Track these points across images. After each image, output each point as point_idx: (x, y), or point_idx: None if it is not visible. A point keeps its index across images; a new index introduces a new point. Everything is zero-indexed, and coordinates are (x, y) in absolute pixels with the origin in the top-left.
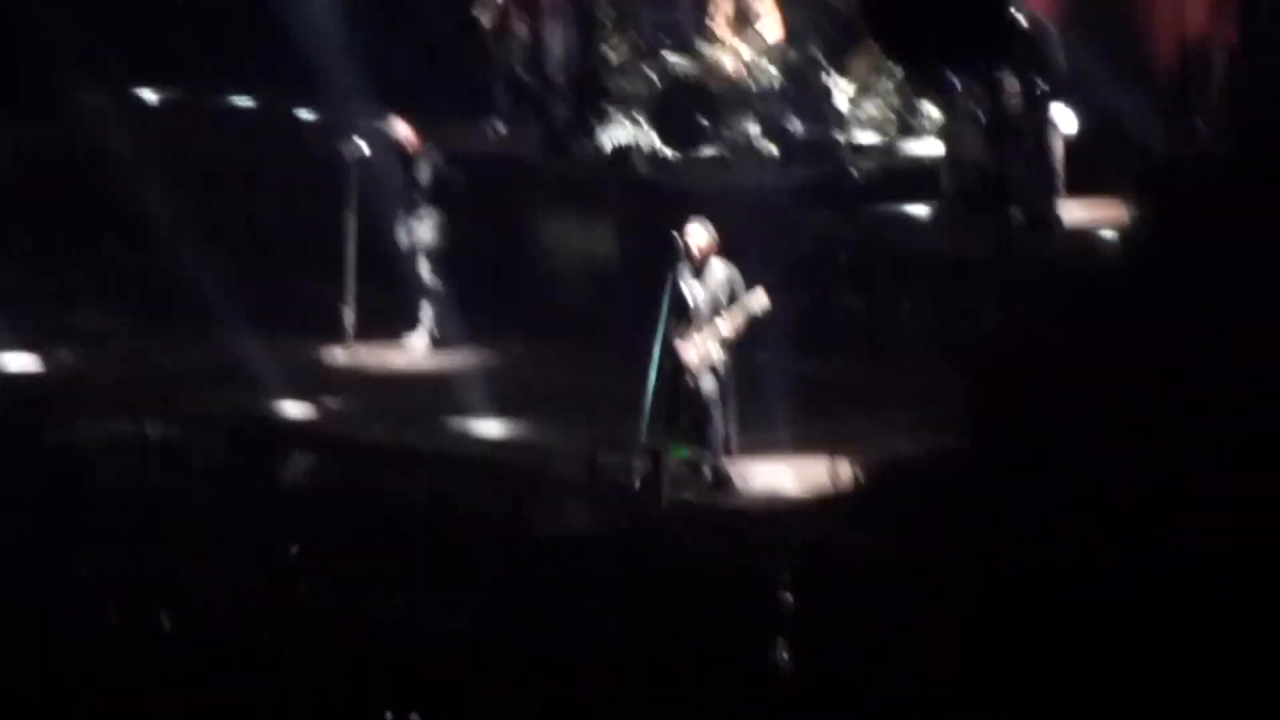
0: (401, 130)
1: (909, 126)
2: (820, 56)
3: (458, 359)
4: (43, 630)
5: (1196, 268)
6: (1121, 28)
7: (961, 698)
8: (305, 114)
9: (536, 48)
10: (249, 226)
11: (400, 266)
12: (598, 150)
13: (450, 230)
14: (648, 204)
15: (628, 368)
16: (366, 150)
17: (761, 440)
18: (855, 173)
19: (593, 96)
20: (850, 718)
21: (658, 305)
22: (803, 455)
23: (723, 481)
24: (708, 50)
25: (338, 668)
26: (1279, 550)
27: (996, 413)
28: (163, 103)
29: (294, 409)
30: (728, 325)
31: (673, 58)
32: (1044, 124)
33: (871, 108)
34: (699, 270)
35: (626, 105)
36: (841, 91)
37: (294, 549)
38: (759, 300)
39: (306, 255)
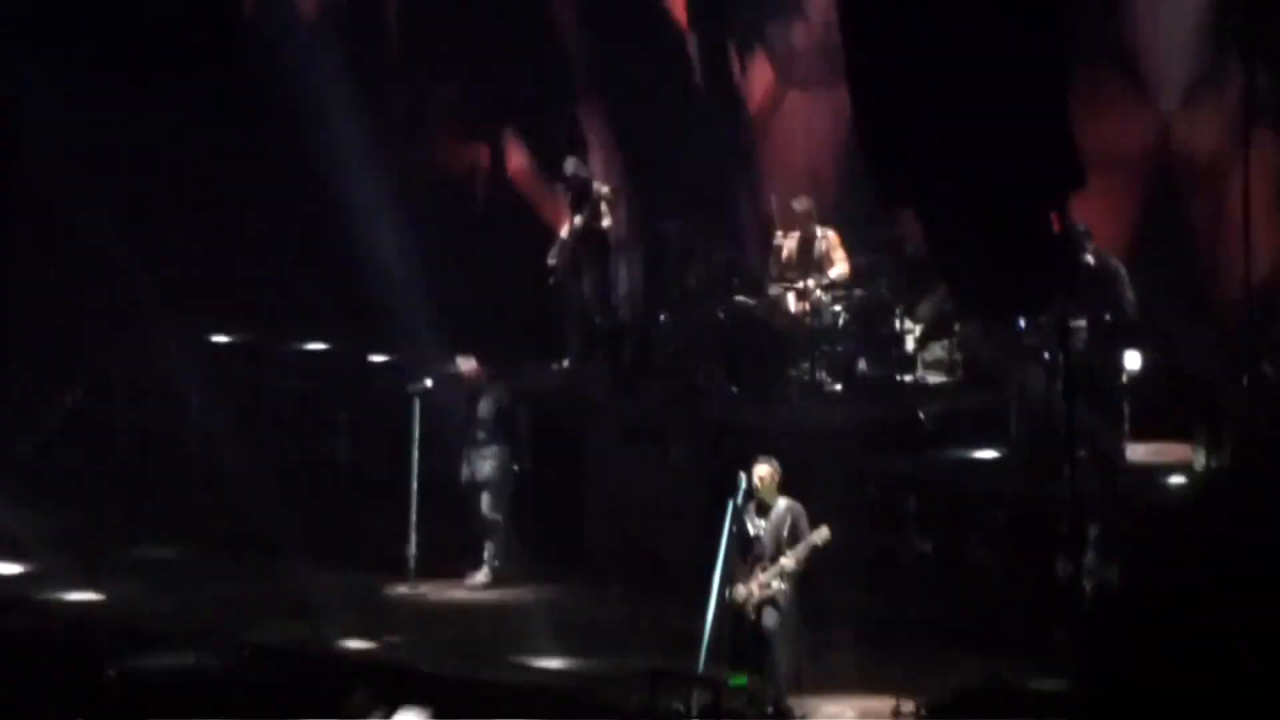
0: (465, 364)
1: (976, 368)
2: (888, 297)
3: (520, 593)
4: None
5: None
6: (1188, 268)
7: None
8: (376, 355)
9: (605, 287)
10: (316, 462)
11: (463, 501)
12: (664, 389)
13: (512, 465)
14: (713, 442)
15: (690, 601)
16: (430, 386)
17: (826, 677)
18: (922, 414)
19: (660, 336)
20: None
21: (719, 539)
22: (868, 694)
23: (783, 715)
24: (775, 289)
25: None
26: None
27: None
28: (234, 344)
29: (356, 642)
30: (790, 560)
31: (740, 296)
32: (1111, 365)
33: (939, 349)
34: (763, 506)
35: (693, 344)
36: (909, 332)
37: None
38: (821, 535)
39: (372, 490)
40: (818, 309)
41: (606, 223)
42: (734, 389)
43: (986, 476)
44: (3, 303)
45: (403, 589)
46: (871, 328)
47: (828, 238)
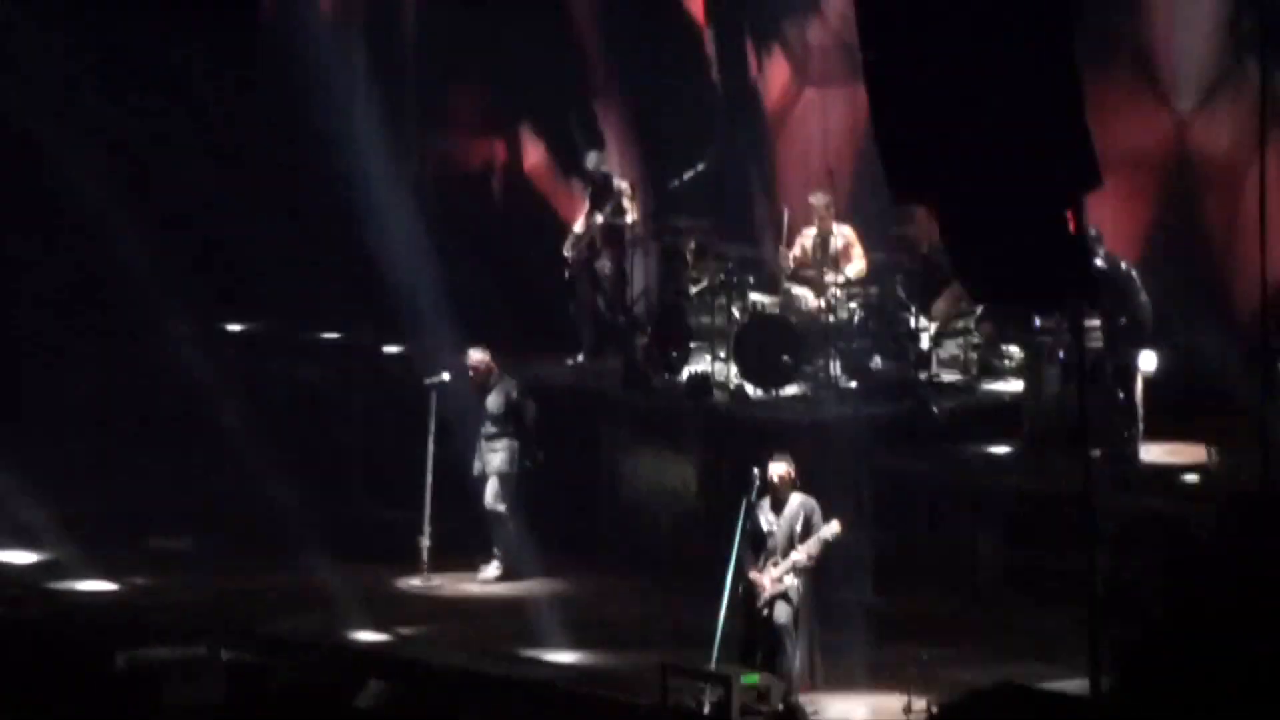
0: (475, 356)
1: (990, 365)
2: (903, 294)
3: (532, 587)
4: None
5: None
6: (1204, 267)
7: None
8: (390, 346)
9: (619, 282)
10: (330, 454)
11: (476, 494)
12: (677, 384)
13: (522, 459)
14: (727, 437)
15: (702, 597)
16: (446, 378)
17: (838, 674)
18: (936, 410)
19: (674, 331)
20: None
21: (732, 535)
22: (879, 692)
23: (793, 711)
24: (790, 286)
25: None
26: None
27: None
28: (249, 333)
29: (369, 634)
30: (803, 556)
31: (755, 293)
32: (1125, 363)
33: (953, 346)
34: (776, 502)
35: (708, 340)
36: (924, 330)
37: None
38: (832, 529)
39: (386, 482)
40: (833, 306)
41: (630, 218)
42: (748, 386)
43: (1000, 472)
44: (17, 290)
45: (416, 581)
46: (887, 325)
47: (845, 234)
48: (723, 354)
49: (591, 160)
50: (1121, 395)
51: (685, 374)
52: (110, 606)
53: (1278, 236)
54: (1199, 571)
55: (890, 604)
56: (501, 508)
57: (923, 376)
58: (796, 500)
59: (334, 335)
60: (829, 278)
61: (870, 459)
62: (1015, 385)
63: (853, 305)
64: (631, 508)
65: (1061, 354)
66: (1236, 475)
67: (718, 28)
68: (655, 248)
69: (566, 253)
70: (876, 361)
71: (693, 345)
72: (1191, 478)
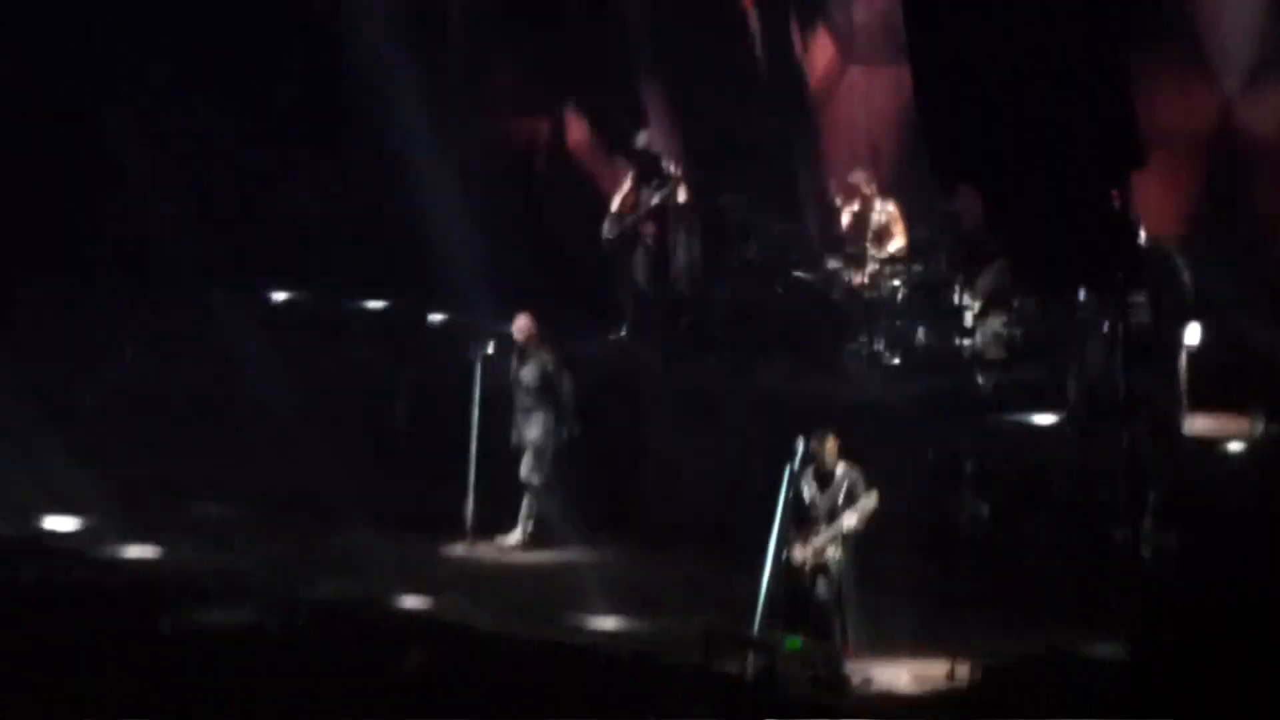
0: (520, 321)
1: (1034, 339)
2: (947, 271)
3: (575, 555)
4: None
5: None
6: (1249, 244)
7: None
8: (435, 316)
9: (662, 259)
10: (376, 422)
11: (515, 463)
12: (720, 360)
13: (559, 431)
14: (769, 412)
15: (745, 565)
16: (491, 349)
17: (882, 642)
18: (980, 384)
19: (718, 306)
20: None
21: (775, 505)
22: (922, 658)
23: (836, 677)
24: (833, 262)
25: None
26: None
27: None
28: (293, 303)
29: (411, 601)
30: (844, 526)
31: (798, 270)
32: (1169, 337)
33: (997, 323)
34: (821, 472)
35: (750, 315)
36: (968, 307)
37: None
38: (871, 501)
39: (431, 451)
40: (876, 282)
41: (682, 198)
42: (791, 361)
43: (1044, 444)
44: (65, 259)
45: (460, 549)
46: (930, 301)
47: (887, 210)
48: (765, 329)
49: (641, 139)
50: (1166, 368)
51: (729, 350)
52: (155, 572)
53: None
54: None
55: (934, 573)
56: (536, 479)
57: (966, 351)
58: (841, 470)
59: (379, 305)
60: (871, 253)
61: (915, 431)
62: (1059, 361)
63: (895, 282)
64: (674, 479)
65: (1105, 327)
66: None
67: (762, 6)
68: (698, 225)
69: (606, 228)
70: (920, 337)
71: (735, 321)
72: (1236, 449)
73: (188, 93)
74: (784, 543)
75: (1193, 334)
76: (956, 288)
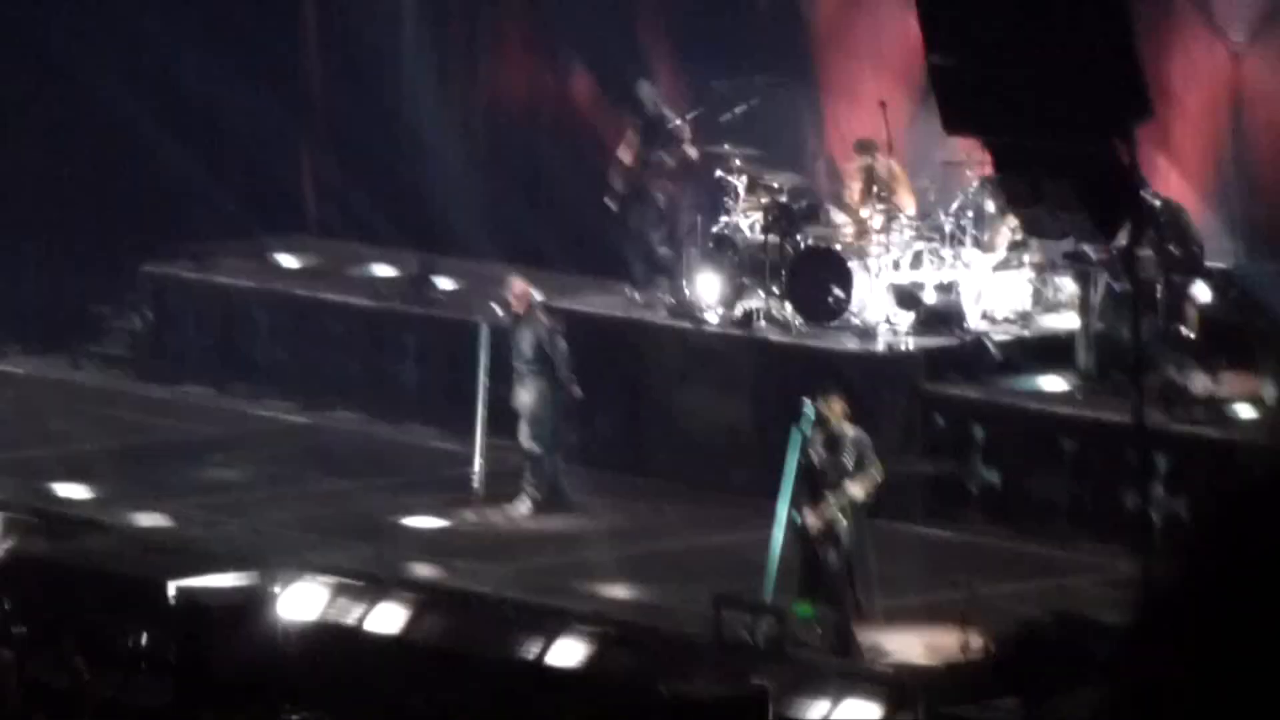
0: (516, 286)
1: (1044, 298)
2: (955, 228)
3: (582, 520)
4: None
5: None
6: (1259, 200)
7: None
8: (441, 279)
9: (670, 213)
10: (383, 386)
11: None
12: (728, 316)
13: (553, 397)
14: (778, 370)
15: (754, 530)
16: (500, 313)
17: (893, 608)
18: (989, 343)
19: (725, 262)
20: None
21: (783, 468)
22: (933, 625)
23: (846, 644)
24: (841, 219)
25: None
26: None
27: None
28: (302, 269)
29: (420, 567)
30: (855, 489)
31: (805, 225)
32: (1178, 296)
33: (1006, 279)
34: (829, 436)
35: (758, 272)
36: (977, 263)
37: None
38: (877, 472)
39: (438, 415)
40: (883, 238)
41: (694, 154)
42: (798, 317)
43: (1054, 405)
44: (71, 212)
45: (469, 514)
46: (939, 259)
47: (892, 169)
48: (774, 286)
49: (644, 91)
50: (1175, 325)
51: (737, 307)
52: (163, 538)
53: None
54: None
55: (945, 536)
56: (536, 447)
57: (976, 309)
58: (849, 434)
59: (386, 269)
60: (878, 208)
61: (924, 392)
62: (1068, 317)
63: (904, 238)
64: (681, 440)
65: (1115, 286)
66: None
67: None
68: (706, 179)
69: (614, 182)
70: (929, 295)
71: (745, 281)
72: (1246, 409)
73: (189, 53)
74: (794, 508)
75: (1202, 292)
76: (965, 244)
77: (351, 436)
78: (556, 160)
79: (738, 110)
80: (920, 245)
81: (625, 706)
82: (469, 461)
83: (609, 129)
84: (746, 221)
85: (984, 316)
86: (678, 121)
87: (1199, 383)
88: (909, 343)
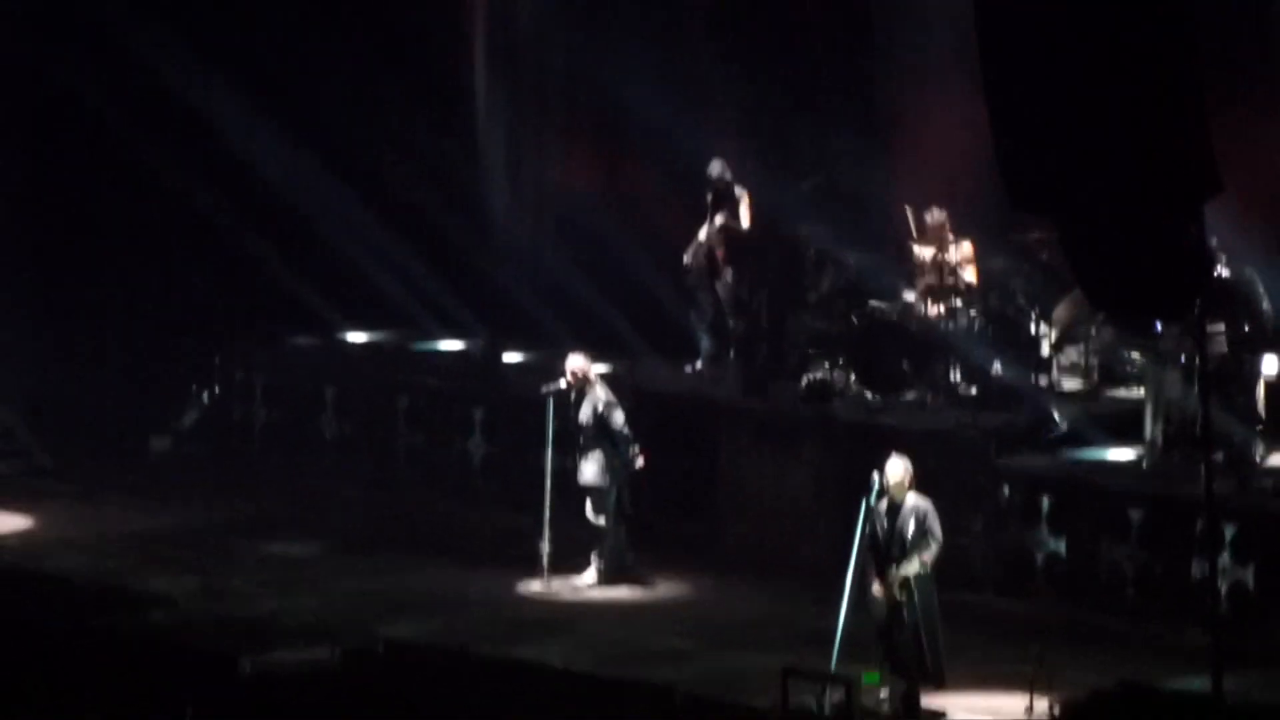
0: (572, 362)
1: (1112, 371)
2: (1023, 301)
3: (650, 591)
4: None
5: None
6: None
7: None
8: (510, 355)
9: (740, 289)
10: (452, 461)
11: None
12: (797, 391)
13: (614, 468)
14: (845, 444)
15: (821, 600)
16: (564, 385)
17: (960, 674)
18: (1057, 415)
19: (794, 338)
20: None
21: (851, 538)
22: (1001, 693)
23: (914, 713)
24: (908, 294)
25: None
26: None
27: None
28: (370, 344)
29: (489, 637)
30: (912, 564)
31: (874, 300)
32: (1247, 368)
33: (1074, 353)
34: (892, 504)
35: (827, 347)
36: (1044, 337)
37: None
38: (933, 550)
39: (508, 489)
40: (953, 313)
41: (745, 223)
42: (868, 392)
43: (1121, 477)
44: (142, 301)
45: (536, 586)
46: (1007, 332)
47: (961, 249)
48: (842, 361)
49: (715, 169)
50: (1244, 400)
51: (804, 380)
52: (235, 612)
53: None
54: None
55: (1013, 607)
56: (601, 520)
57: (1044, 383)
58: (910, 502)
59: (454, 345)
60: (945, 284)
61: (991, 463)
62: (1137, 391)
63: (972, 312)
64: (751, 512)
65: (1183, 358)
66: None
67: (836, 27)
68: (775, 256)
69: (687, 259)
70: (997, 368)
71: (811, 352)
72: None
73: (267, 139)
74: (861, 577)
75: (1270, 365)
76: (1033, 317)
77: (419, 511)
78: (625, 242)
79: (805, 185)
80: (989, 319)
81: None
82: (537, 535)
83: (673, 215)
84: (815, 296)
85: (1052, 390)
86: (741, 191)
87: (1268, 455)
88: (975, 416)
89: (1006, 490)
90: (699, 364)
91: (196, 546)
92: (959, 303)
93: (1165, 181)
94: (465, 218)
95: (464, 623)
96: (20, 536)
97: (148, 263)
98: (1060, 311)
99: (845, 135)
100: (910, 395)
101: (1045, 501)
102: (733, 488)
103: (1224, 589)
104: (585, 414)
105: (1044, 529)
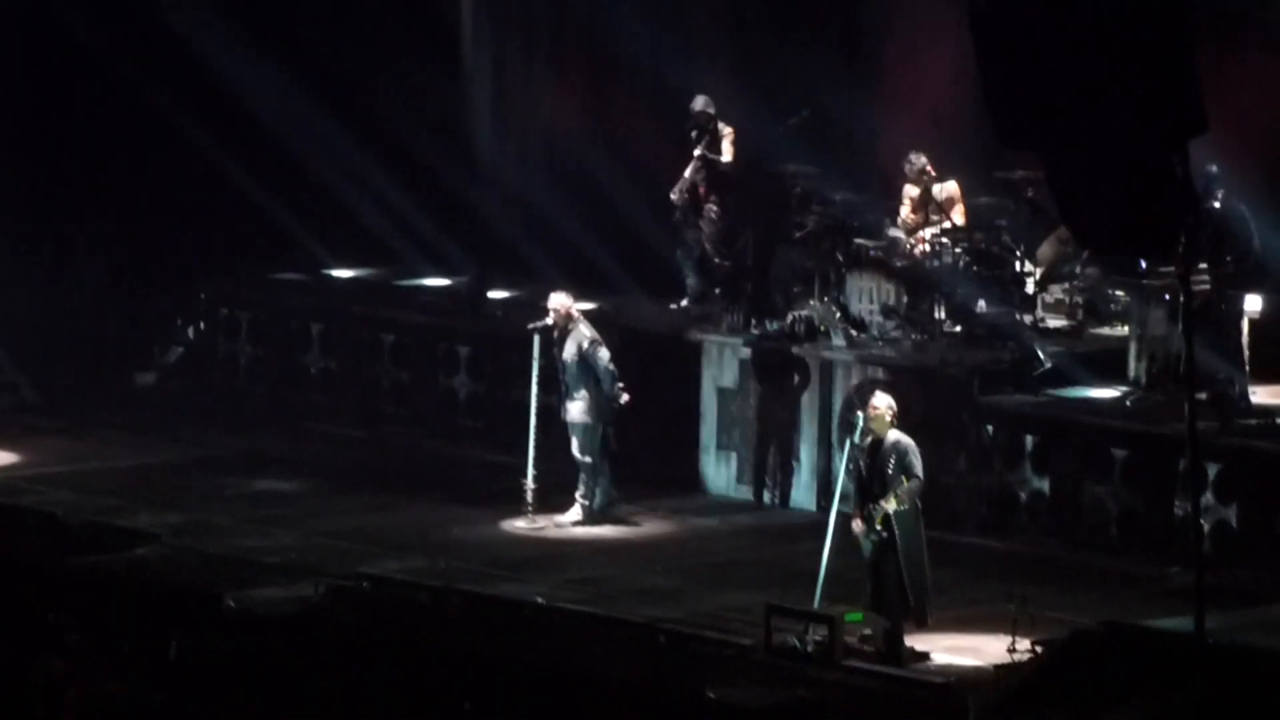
0: (554, 300)
1: (1096, 309)
2: (1008, 239)
3: (634, 528)
4: None
5: None
6: None
7: None
8: (495, 291)
9: (725, 227)
10: (437, 397)
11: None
12: (783, 327)
13: (600, 408)
14: (832, 380)
15: (804, 536)
16: (550, 322)
17: (943, 613)
18: (1041, 353)
19: (780, 274)
20: None
21: (834, 475)
22: (984, 633)
23: (896, 652)
24: (894, 232)
25: None
26: None
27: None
28: (356, 280)
29: (473, 575)
30: (890, 501)
31: (859, 238)
32: (1231, 307)
33: (1059, 291)
34: (877, 442)
35: (813, 284)
36: (1029, 275)
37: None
38: (913, 485)
39: (492, 426)
40: (938, 252)
41: (726, 158)
42: (852, 329)
43: (1105, 415)
44: (128, 236)
45: (521, 524)
46: (991, 270)
47: (948, 190)
48: (827, 297)
49: (698, 103)
50: (1228, 338)
51: (789, 318)
52: (219, 549)
53: None
54: None
55: (996, 546)
56: (587, 458)
57: (1028, 321)
58: (890, 439)
59: (440, 281)
60: (930, 230)
61: (975, 401)
62: (1121, 329)
63: (957, 251)
64: (735, 451)
65: (1167, 297)
66: None
67: None
68: (760, 193)
69: (673, 197)
70: (981, 306)
71: (797, 289)
72: None
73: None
74: (845, 515)
75: (1255, 303)
76: (1018, 256)
77: (404, 448)
78: (612, 178)
79: (791, 122)
80: (974, 256)
81: (676, 714)
82: (522, 472)
83: (665, 146)
84: (800, 234)
85: (1036, 328)
86: (726, 127)
87: (1251, 394)
88: (962, 354)
89: (990, 429)
90: (685, 302)
91: (181, 483)
92: (945, 240)
93: (1151, 119)
94: (452, 154)
95: (448, 560)
96: (5, 471)
97: (134, 198)
98: (1045, 250)
99: (831, 72)
100: (895, 333)
101: (1029, 440)
102: (717, 425)
103: (1207, 528)
104: (570, 352)
105: (1027, 468)
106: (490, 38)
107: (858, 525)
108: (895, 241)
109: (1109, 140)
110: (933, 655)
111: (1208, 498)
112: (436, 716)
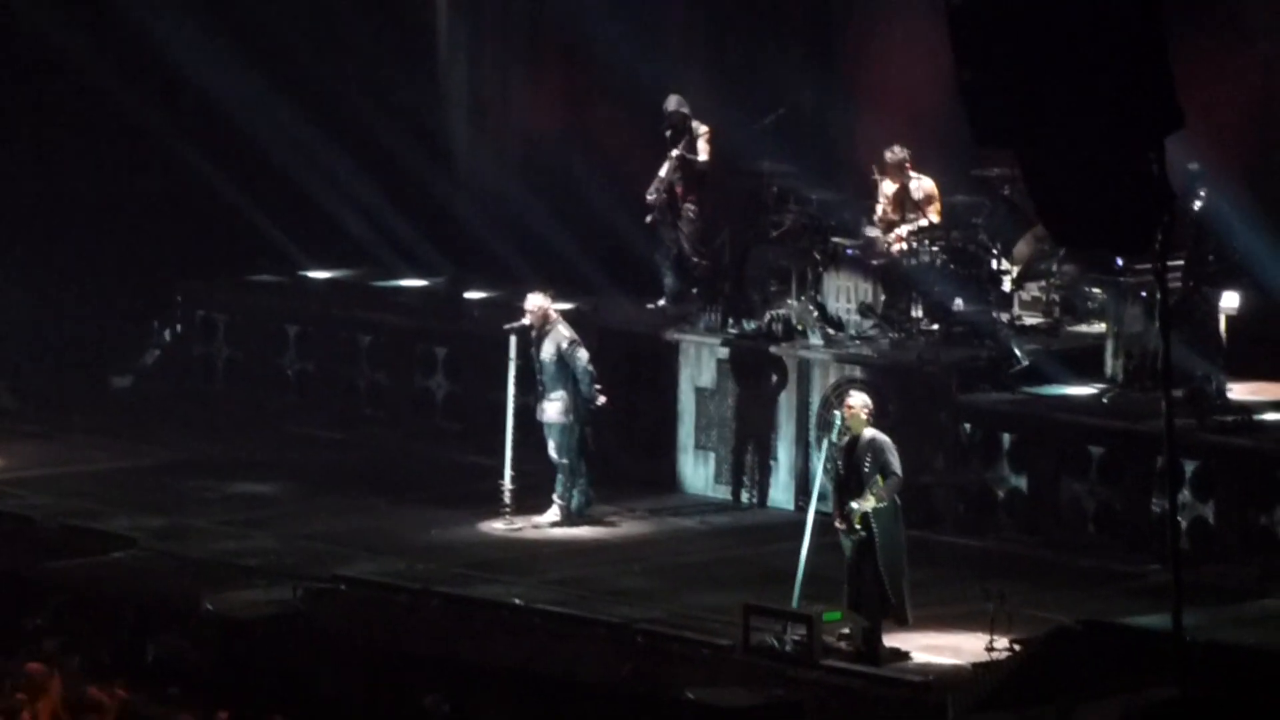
0: (531, 301)
1: (1073, 306)
2: (984, 237)
3: (612, 529)
4: None
5: None
6: None
7: None
8: (472, 292)
9: (704, 227)
10: (414, 399)
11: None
12: (761, 326)
13: (576, 409)
14: (809, 379)
15: (782, 536)
16: (527, 323)
17: (922, 612)
18: (1018, 351)
19: (757, 274)
20: None
21: (812, 475)
22: (962, 631)
23: (875, 651)
24: (871, 230)
25: None
26: None
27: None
28: (333, 281)
29: (451, 576)
30: (867, 500)
31: (836, 237)
32: (1208, 304)
33: (1036, 288)
34: (853, 440)
35: (790, 283)
36: (1006, 273)
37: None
38: (889, 484)
39: (470, 427)
40: (915, 250)
41: (703, 157)
42: (829, 328)
43: (1082, 413)
44: (104, 238)
45: (498, 525)
46: (968, 268)
47: (925, 187)
48: (804, 296)
49: (672, 103)
50: (1205, 335)
51: (767, 317)
52: (196, 552)
53: None
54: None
55: (973, 544)
56: (564, 459)
57: (1005, 319)
58: (866, 437)
59: (416, 282)
60: (906, 228)
61: (953, 399)
62: (1098, 327)
63: (934, 249)
64: (713, 450)
65: (1144, 294)
66: None
67: None
68: (737, 192)
69: (650, 196)
70: (958, 304)
71: (774, 288)
72: (1275, 417)
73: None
74: (822, 514)
75: (1231, 300)
76: (994, 254)
77: (382, 450)
78: (589, 178)
79: (766, 121)
80: (951, 255)
81: (654, 714)
82: (499, 474)
83: (642, 146)
84: (777, 233)
85: (1013, 325)
86: (701, 126)
87: (1228, 390)
88: (939, 352)
89: (968, 427)
90: (662, 301)
91: (158, 486)
92: (922, 239)
93: (1127, 116)
94: (428, 154)
95: (426, 562)
96: None
97: (110, 200)
98: (1022, 247)
99: (807, 70)
100: (872, 331)
101: (1006, 438)
102: (695, 425)
103: (1184, 525)
104: (547, 352)
105: (1005, 465)
106: (466, 39)
107: (837, 523)
108: (872, 240)
109: (1085, 138)
110: (911, 654)
111: (1185, 495)
112: (414, 718)
